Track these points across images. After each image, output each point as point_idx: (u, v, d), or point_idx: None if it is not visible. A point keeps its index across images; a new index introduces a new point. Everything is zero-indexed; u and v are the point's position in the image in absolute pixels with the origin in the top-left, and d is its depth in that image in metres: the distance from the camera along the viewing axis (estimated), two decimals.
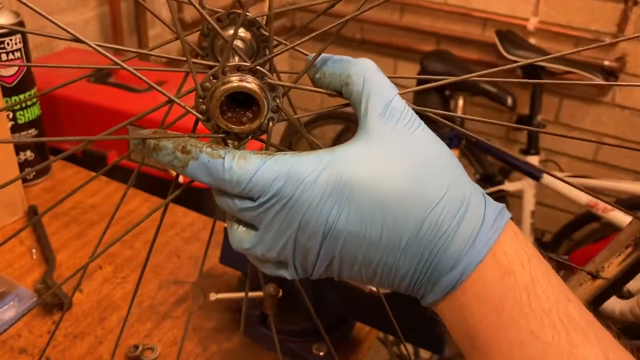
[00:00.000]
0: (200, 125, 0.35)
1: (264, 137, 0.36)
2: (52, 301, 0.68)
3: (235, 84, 0.32)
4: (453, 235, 0.29)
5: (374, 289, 0.54)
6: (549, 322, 0.28)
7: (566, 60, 1.67)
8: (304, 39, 0.35)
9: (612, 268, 0.43)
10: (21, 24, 0.83)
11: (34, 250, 0.77)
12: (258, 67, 0.33)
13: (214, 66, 0.33)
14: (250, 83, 0.32)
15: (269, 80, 0.33)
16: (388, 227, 0.29)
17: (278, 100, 0.34)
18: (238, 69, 0.33)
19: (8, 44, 0.81)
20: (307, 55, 0.36)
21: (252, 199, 0.30)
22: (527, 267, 0.29)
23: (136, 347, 0.63)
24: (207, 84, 0.33)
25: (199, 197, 0.98)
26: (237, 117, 0.34)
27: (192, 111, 0.34)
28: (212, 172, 0.30)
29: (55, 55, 1.19)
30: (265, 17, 0.36)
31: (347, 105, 0.35)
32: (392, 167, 0.29)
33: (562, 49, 1.79)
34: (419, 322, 0.57)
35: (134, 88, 1.02)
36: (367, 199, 0.29)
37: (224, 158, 0.30)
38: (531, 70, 1.70)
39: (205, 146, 0.31)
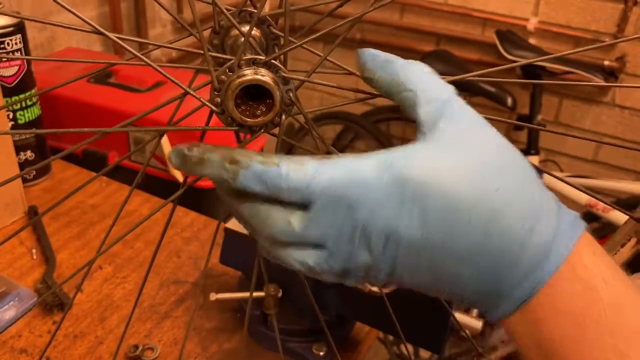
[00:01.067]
0: (212, 118, 0.36)
1: (275, 130, 0.36)
2: (53, 301, 0.68)
3: (250, 77, 0.32)
4: (524, 242, 0.27)
5: (374, 288, 0.54)
6: (638, 341, 0.27)
7: (566, 61, 1.67)
8: (313, 35, 0.36)
9: None
10: (21, 24, 0.83)
11: (34, 251, 0.77)
12: (273, 61, 0.33)
13: (228, 60, 0.34)
14: (265, 76, 0.33)
15: (283, 74, 0.34)
16: (452, 231, 0.27)
17: (291, 94, 0.35)
18: (253, 62, 0.33)
19: (8, 44, 0.81)
20: (317, 54, 0.37)
21: (308, 206, 0.28)
22: (610, 281, 0.28)
23: (136, 346, 0.63)
24: (223, 76, 0.33)
25: (199, 197, 0.98)
26: (250, 110, 0.34)
27: (207, 103, 0.34)
28: (267, 180, 0.28)
29: (55, 55, 1.19)
30: (272, 15, 0.37)
31: (364, 99, 0.36)
32: (456, 168, 0.28)
33: (562, 49, 1.79)
34: (419, 322, 0.57)
35: (135, 88, 1.02)
36: (431, 202, 0.27)
37: (278, 165, 0.28)
38: (531, 71, 1.70)
39: (255, 154, 0.29)
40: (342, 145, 2.28)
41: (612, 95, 1.82)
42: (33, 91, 0.87)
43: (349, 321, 0.66)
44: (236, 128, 0.35)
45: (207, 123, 0.38)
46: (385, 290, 0.54)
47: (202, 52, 0.34)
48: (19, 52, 0.83)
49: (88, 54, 1.19)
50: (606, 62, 1.74)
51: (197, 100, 0.34)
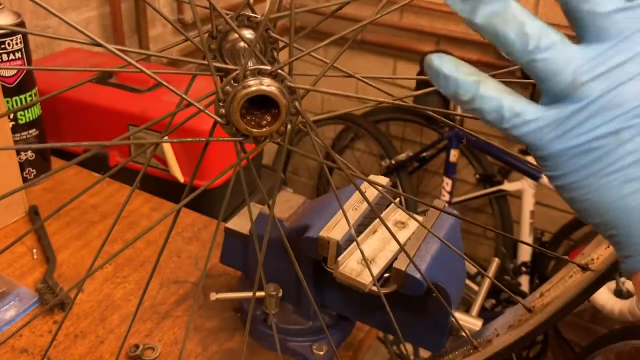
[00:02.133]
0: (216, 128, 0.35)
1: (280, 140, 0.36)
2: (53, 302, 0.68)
3: (256, 88, 0.32)
4: None
5: (374, 288, 0.54)
6: None
7: None
8: (322, 44, 0.35)
9: (601, 260, 0.43)
10: (22, 24, 0.83)
11: (34, 250, 0.77)
12: (279, 71, 0.33)
13: (232, 70, 0.33)
14: (271, 86, 0.32)
15: (289, 84, 0.33)
16: None
17: (297, 103, 0.34)
18: (259, 72, 0.33)
19: (9, 44, 0.82)
20: (323, 60, 0.37)
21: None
22: None
23: (137, 346, 0.64)
24: (228, 87, 0.33)
25: (200, 197, 0.98)
26: (255, 120, 0.34)
27: (212, 115, 0.33)
28: None
29: (56, 55, 1.19)
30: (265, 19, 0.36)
31: (379, 103, 0.35)
32: None
33: None
34: (419, 322, 0.57)
35: (135, 88, 1.02)
36: None
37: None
38: None
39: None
40: (342, 145, 2.28)
41: None
42: (33, 91, 0.87)
43: (349, 321, 0.66)
44: (241, 139, 0.34)
45: (211, 134, 0.37)
46: (385, 290, 0.54)
47: (205, 62, 0.34)
48: (20, 53, 0.83)
49: (89, 54, 1.19)
50: None
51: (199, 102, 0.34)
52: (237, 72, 0.33)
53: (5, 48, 0.81)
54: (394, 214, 0.61)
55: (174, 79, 0.37)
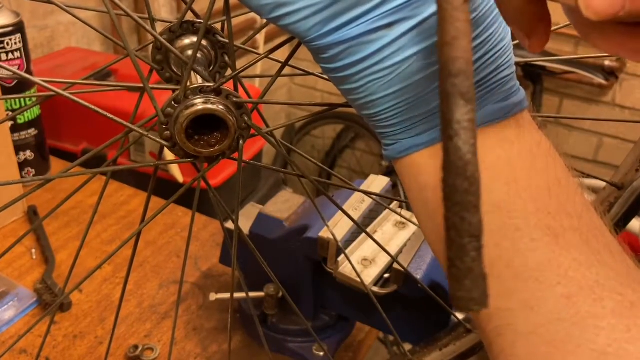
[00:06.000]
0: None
1: (235, 155, 0.34)
2: (52, 301, 0.68)
3: (199, 107, 0.30)
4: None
5: (375, 288, 0.54)
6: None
7: (566, 60, 1.68)
8: (262, 55, 0.32)
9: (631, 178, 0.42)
10: (21, 23, 0.83)
11: (33, 250, 0.77)
12: (223, 87, 0.31)
13: (176, 77, 0.32)
14: (215, 104, 0.30)
15: (235, 99, 0.31)
16: None
17: (247, 118, 0.32)
18: (200, 90, 0.31)
19: (8, 43, 0.81)
20: (278, 61, 0.34)
21: None
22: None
23: (136, 347, 0.63)
24: (169, 109, 0.31)
25: (200, 197, 0.98)
26: (205, 139, 0.32)
27: (157, 139, 0.32)
28: None
29: (55, 54, 1.19)
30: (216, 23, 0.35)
31: (332, 108, 0.34)
32: None
33: (562, 48, 1.78)
34: (420, 322, 0.57)
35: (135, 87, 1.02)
36: None
37: None
38: (531, 70, 1.70)
39: None
40: (342, 145, 2.27)
41: (612, 95, 1.82)
42: (33, 91, 0.87)
43: (349, 321, 0.66)
44: (191, 160, 0.32)
45: (159, 157, 0.36)
46: (385, 291, 0.54)
47: (140, 86, 0.32)
48: (19, 52, 0.83)
49: (88, 53, 1.19)
50: (606, 62, 1.74)
51: (165, 93, 0.32)
52: (177, 92, 0.30)
53: (4, 47, 0.81)
54: (395, 213, 0.61)
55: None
